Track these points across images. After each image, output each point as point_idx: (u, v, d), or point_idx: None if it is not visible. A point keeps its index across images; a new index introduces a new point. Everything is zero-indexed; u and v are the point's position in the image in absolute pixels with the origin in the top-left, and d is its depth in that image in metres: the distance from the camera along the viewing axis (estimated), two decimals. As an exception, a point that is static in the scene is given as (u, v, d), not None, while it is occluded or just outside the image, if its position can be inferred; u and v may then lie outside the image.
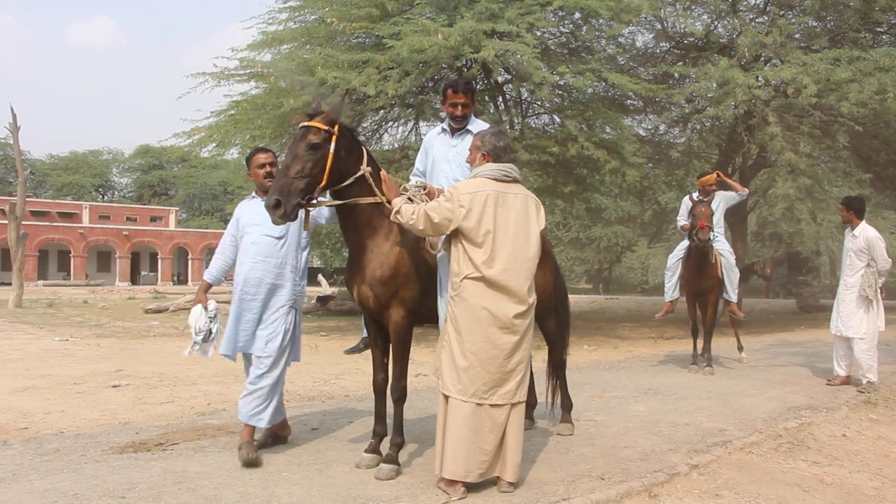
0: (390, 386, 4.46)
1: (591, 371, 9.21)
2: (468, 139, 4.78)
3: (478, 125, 4.88)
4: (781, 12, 14.07)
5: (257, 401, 4.73)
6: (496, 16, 12.40)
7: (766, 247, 37.65)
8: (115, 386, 8.49)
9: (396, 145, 17.18)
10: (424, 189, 4.49)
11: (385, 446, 4.50)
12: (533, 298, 4.08)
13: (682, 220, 9.38)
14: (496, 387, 3.95)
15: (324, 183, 4.16)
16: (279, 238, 4.85)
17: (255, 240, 4.85)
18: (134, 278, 53.74)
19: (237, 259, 4.96)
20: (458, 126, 4.85)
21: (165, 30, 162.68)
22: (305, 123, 4.19)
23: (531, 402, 5.61)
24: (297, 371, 9.31)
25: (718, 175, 9.76)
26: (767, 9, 14.88)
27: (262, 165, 4.97)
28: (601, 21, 13.68)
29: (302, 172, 4.07)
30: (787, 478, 4.73)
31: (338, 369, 10.35)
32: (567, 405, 5.63)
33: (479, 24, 11.90)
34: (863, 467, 5.13)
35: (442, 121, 5.00)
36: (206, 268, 5.28)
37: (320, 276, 31.27)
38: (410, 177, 5.03)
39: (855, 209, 7.88)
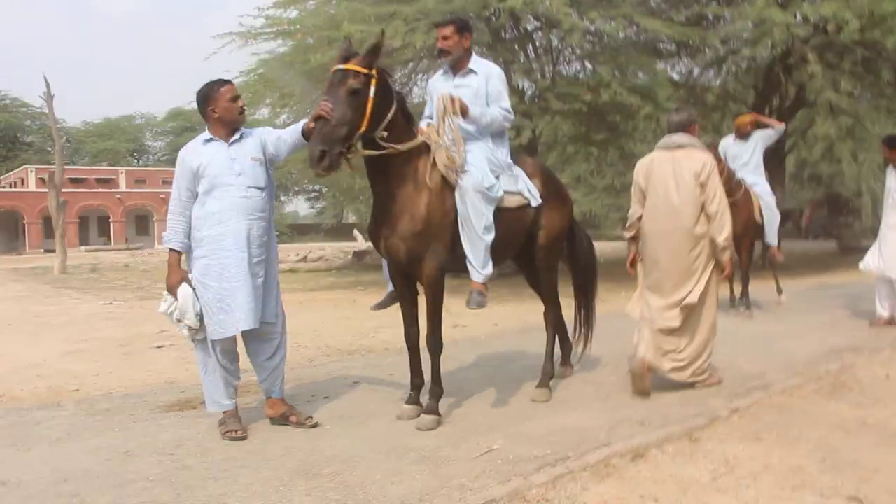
0: (426, 339, 4.46)
1: (628, 318, 9.13)
2: (472, 79, 4.71)
3: (481, 64, 4.79)
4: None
5: (281, 372, 4.55)
6: (523, -39, 12.12)
7: (806, 188, 36.82)
8: (159, 347, 8.66)
9: (426, 98, 17.03)
10: (450, 101, 4.36)
11: (425, 397, 4.54)
12: None
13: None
14: None
15: (364, 129, 4.03)
16: (263, 189, 4.34)
17: (245, 193, 4.23)
18: (172, 240, 54.65)
19: (211, 214, 4.20)
20: (445, 60, 4.76)
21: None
22: (343, 67, 4.02)
23: (566, 349, 5.63)
24: (335, 325, 9.45)
25: (754, 116, 9.54)
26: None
27: (237, 97, 4.33)
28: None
29: (343, 119, 3.93)
30: (829, 420, 4.68)
31: (377, 323, 10.39)
32: (548, 371, 5.24)
33: (507, -29, 11.66)
34: (906, 408, 5.06)
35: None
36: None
37: (356, 231, 31.42)
38: (421, 123, 4.80)
39: None
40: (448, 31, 4.67)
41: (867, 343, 6.88)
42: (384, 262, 4.76)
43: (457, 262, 4.41)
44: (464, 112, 4.40)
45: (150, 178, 58.93)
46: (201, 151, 4.28)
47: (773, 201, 9.02)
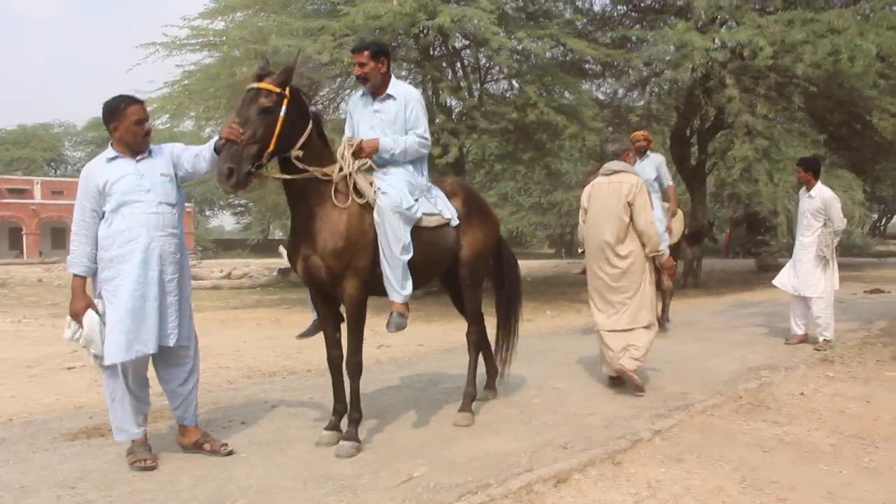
0: (346, 361, 4.37)
1: (554, 337, 9.21)
2: (390, 104, 4.73)
3: (399, 88, 4.79)
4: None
5: (194, 398, 4.35)
6: (452, -20, 12.19)
7: (726, 207, 38.09)
8: (69, 368, 8.25)
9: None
10: (352, 145, 4.41)
11: (345, 423, 4.42)
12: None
13: None
14: None
15: (272, 149, 3.98)
16: (174, 205, 4.19)
17: (156, 209, 4.05)
18: (90, 255, 52.60)
19: (119, 233, 3.99)
20: (364, 87, 4.76)
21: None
22: (255, 85, 3.97)
23: (492, 371, 5.58)
24: (258, 345, 9.18)
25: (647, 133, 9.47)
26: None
27: (142, 121, 4.11)
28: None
29: (253, 137, 3.88)
30: (748, 439, 4.76)
31: (300, 343, 10.20)
32: (470, 393, 5.16)
33: (435, -12, 11.67)
34: (820, 425, 5.18)
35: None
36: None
37: (281, 248, 30.88)
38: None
39: (812, 170, 7.93)
40: (363, 57, 4.64)
41: (783, 361, 7.07)
42: (309, 290, 4.67)
43: (378, 284, 4.37)
44: (373, 150, 4.47)
45: (68, 189, 56.52)
46: (106, 169, 4.09)
47: (661, 227, 8.51)
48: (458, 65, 15.88)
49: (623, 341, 5.72)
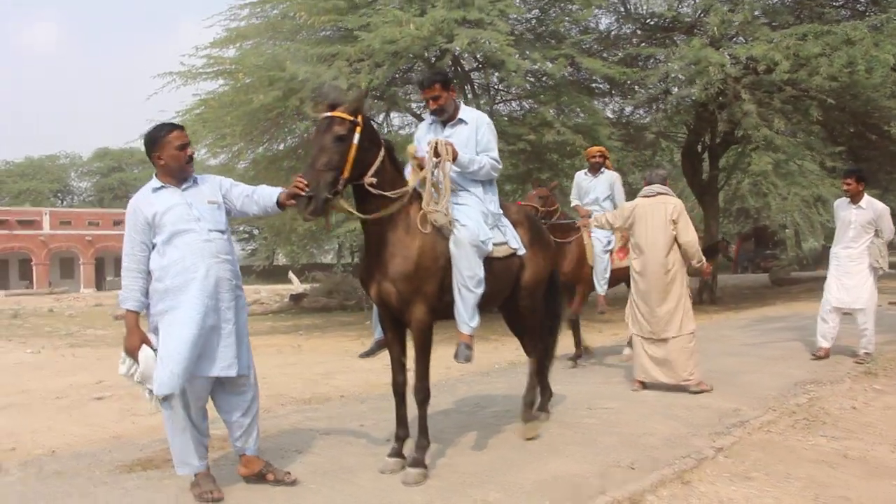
0: (413, 387, 4.31)
1: (584, 357, 9.11)
2: (461, 128, 4.75)
3: (469, 113, 4.84)
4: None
5: (256, 427, 4.24)
6: (466, 3, 12.24)
7: (734, 222, 38.12)
8: (98, 398, 8.19)
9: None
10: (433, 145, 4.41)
11: (407, 449, 4.35)
12: None
13: (577, 199, 8.69)
14: None
15: (347, 175, 3.98)
16: (224, 232, 4.12)
17: (208, 237, 3.98)
18: (99, 284, 52.54)
19: (173, 263, 3.91)
20: (440, 118, 4.79)
21: (112, 31, 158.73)
22: (329, 114, 4.00)
23: (546, 393, 5.51)
24: (284, 373, 9.10)
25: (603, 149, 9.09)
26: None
27: (185, 145, 4.03)
28: (572, 7, 13.63)
29: (329, 165, 3.90)
30: (811, 455, 4.69)
31: (324, 368, 10.13)
32: (529, 401, 5.25)
33: (451, 12, 11.73)
34: (880, 439, 5.10)
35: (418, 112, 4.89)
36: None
37: (291, 273, 30.86)
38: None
39: (864, 181, 7.83)
40: (436, 90, 4.67)
41: (826, 375, 7.00)
42: (374, 309, 4.67)
43: (445, 309, 4.35)
44: (454, 157, 4.43)
45: (76, 220, 56.75)
46: (153, 200, 4.00)
47: (601, 247, 8.12)
48: (468, 87, 15.94)
49: (665, 349, 6.40)
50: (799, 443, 4.94)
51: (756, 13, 13.39)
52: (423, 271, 4.19)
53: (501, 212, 4.86)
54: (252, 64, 13.23)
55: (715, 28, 12.54)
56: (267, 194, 4.22)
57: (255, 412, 4.23)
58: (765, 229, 33.80)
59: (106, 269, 55.20)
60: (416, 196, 4.38)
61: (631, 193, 9.76)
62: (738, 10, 12.77)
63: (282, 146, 16.17)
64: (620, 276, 8.07)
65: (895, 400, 6.12)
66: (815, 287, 20.83)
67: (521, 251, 4.82)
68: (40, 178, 67.38)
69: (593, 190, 8.49)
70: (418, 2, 12.69)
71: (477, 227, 4.40)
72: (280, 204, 4.13)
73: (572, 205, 8.86)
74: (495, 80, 15.74)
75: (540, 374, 5.43)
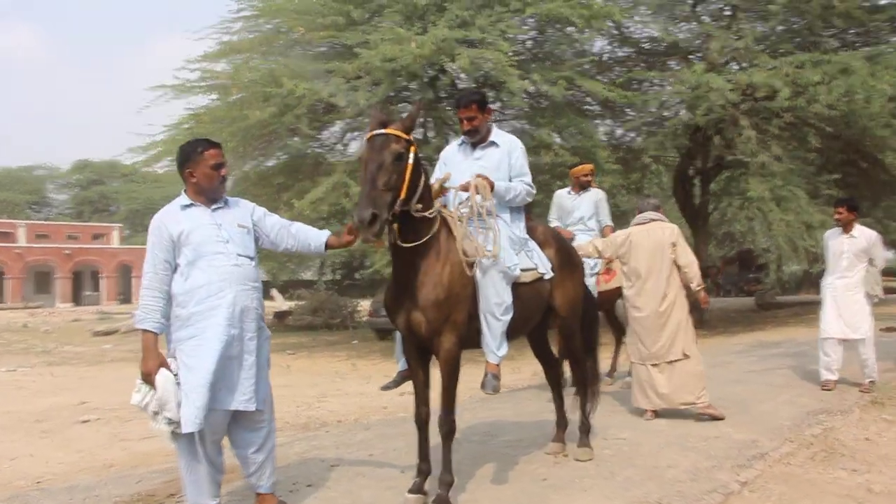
0: (439, 419, 4.10)
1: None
2: (493, 151, 4.64)
3: (502, 137, 4.72)
4: (745, 16, 14.22)
5: (271, 463, 4.03)
6: (467, 23, 12.20)
7: (717, 246, 38.30)
8: (84, 421, 7.92)
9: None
10: (478, 186, 4.28)
11: (429, 484, 4.18)
12: None
13: (557, 220, 8.30)
14: None
15: (403, 197, 3.77)
16: (253, 258, 3.96)
17: (237, 262, 3.81)
18: (77, 299, 51.68)
19: (198, 287, 3.72)
20: (472, 139, 4.66)
21: (93, 42, 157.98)
22: (384, 131, 3.78)
23: (562, 424, 5.34)
24: (276, 395, 8.55)
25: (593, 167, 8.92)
26: (730, 13, 15.03)
27: (220, 165, 3.86)
28: (571, 29, 13.64)
29: (388, 184, 3.69)
30: (835, 489, 4.58)
31: (317, 391, 9.94)
32: (585, 428, 5.25)
33: (452, 31, 11.67)
34: (900, 473, 5.01)
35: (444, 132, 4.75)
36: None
37: (274, 291, 30.52)
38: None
39: (856, 210, 7.84)
40: (472, 110, 4.56)
41: (835, 404, 6.91)
42: (397, 339, 4.49)
43: (473, 337, 4.20)
44: (491, 188, 4.33)
45: (53, 233, 55.90)
46: (181, 218, 3.81)
47: (587, 271, 7.91)
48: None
49: (671, 373, 6.35)
50: (820, 476, 4.83)
51: (756, 40, 13.49)
52: (454, 298, 4.03)
53: (528, 236, 4.71)
54: (247, 79, 13.08)
55: (716, 54, 12.59)
56: (313, 234, 4.16)
57: (270, 449, 4.03)
58: (749, 253, 33.96)
59: (84, 283, 54.35)
60: (444, 222, 4.20)
61: (616, 215, 9.56)
62: (740, 36, 12.85)
63: (272, 162, 15.99)
64: (606, 299, 7.93)
65: (906, 431, 6.04)
66: (801, 312, 20.98)
67: (549, 275, 4.65)
68: (16, 189, 66.40)
69: (577, 209, 8.13)
70: (418, 20, 12.64)
71: (504, 254, 4.25)
72: (329, 245, 4.12)
73: (552, 226, 8.26)
74: (491, 100, 15.68)
75: (559, 405, 5.30)
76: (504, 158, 4.58)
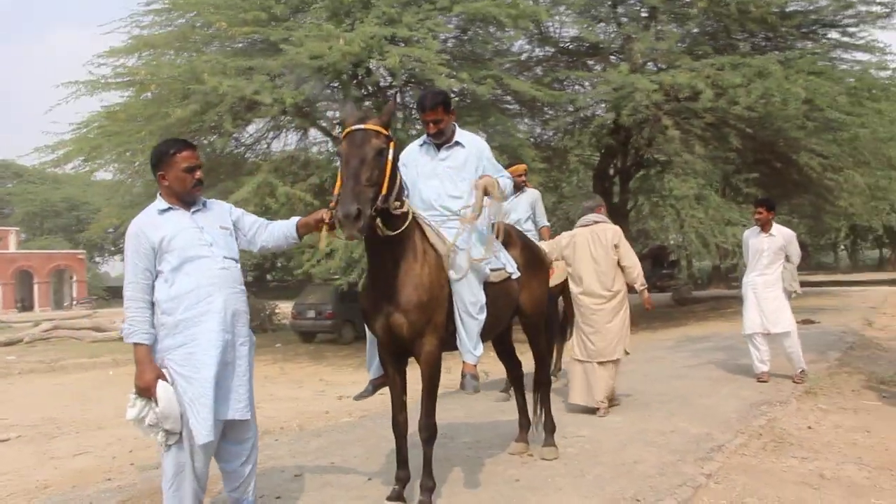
0: (420, 424, 4.00)
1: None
2: (458, 151, 4.50)
3: (466, 137, 4.60)
4: (663, 18, 14.61)
5: (254, 477, 3.80)
6: (395, 20, 12.07)
7: (633, 244, 39.31)
8: (3, 440, 7.42)
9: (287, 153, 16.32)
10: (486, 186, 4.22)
11: (408, 491, 4.08)
12: None
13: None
14: None
15: (384, 193, 3.64)
16: (237, 261, 3.76)
17: (224, 264, 3.62)
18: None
19: (186, 293, 3.51)
20: (437, 141, 4.51)
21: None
22: (364, 126, 3.64)
23: (525, 424, 5.31)
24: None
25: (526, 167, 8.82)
26: (647, 15, 15.41)
27: (193, 168, 3.62)
28: (494, 29, 13.70)
29: (371, 180, 3.55)
30: (791, 477, 4.71)
31: (258, 396, 9.58)
32: (550, 427, 5.25)
33: (381, 29, 11.52)
34: (843, 458, 5.18)
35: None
36: (128, 324, 3.51)
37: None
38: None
39: (774, 210, 8.12)
40: (439, 112, 4.39)
41: (774, 396, 7.14)
42: (369, 346, 4.29)
43: (449, 339, 4.11)
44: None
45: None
46: (160, 223, 3.58)
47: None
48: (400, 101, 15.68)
49: (608, 371, 6.55)
50: (774, 465, 4.97)
51: (678, 42, 13.88)
52: (434, 300, 3.93)
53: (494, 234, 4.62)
54: (166, 75, 12.56)
55: (638, 54, 12.88)
56: (284, 225, 3.94)
57: (255, 460, 3.81)
58: (662, 249, 35.00)
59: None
60: (416, 222, 4.07)
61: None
62: (661, 38, 13.18)
63: (192, 162, 15.40)
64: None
65: (840, 419, 6.29)
66: (717, 306, 21.78)
67: (516, 275, 4.61)
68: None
69: (513, 211, 7.92)
70: (345, 17, 12.43)
71: (474, 251, 4.18)
72: (299, 228, 3.90)
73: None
74: (409, 98, 15.53)
75: (521, 404, 5.28)
76: (471, 158, 4.46)
